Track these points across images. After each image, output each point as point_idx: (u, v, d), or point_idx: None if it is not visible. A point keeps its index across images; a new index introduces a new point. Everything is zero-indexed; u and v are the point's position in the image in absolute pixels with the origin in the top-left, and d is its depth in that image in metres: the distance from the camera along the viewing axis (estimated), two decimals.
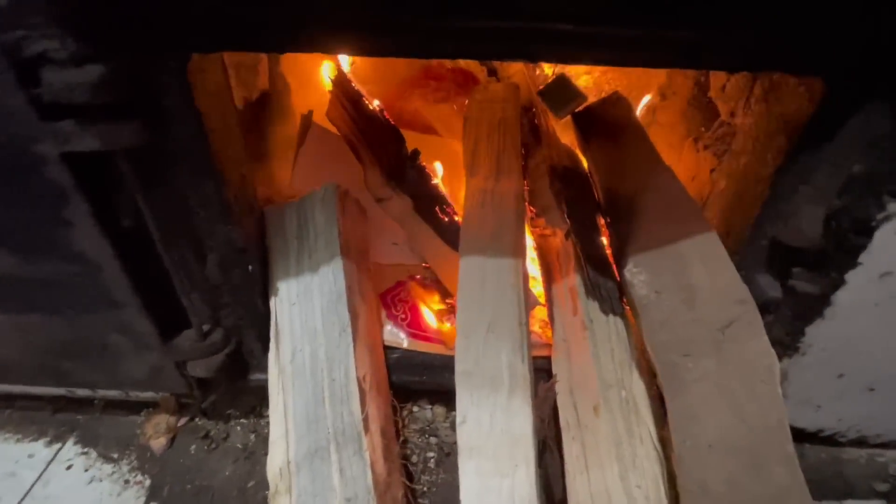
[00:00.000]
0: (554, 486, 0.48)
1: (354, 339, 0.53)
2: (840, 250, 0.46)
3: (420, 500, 0.59)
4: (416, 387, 0.66)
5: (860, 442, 0.66)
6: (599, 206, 0.71)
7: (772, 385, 0.40)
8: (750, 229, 0.52)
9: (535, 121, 0.85)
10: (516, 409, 0.44)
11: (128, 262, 0.46)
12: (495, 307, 0.52)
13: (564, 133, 0.86)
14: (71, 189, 0.41)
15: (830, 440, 0.66)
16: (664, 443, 0.48)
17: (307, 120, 0.76)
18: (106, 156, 0.40)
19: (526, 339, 0.51)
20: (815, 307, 0.51)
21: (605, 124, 0.76)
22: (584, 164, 0.78)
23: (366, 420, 0.48)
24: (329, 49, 0.44)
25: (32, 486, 0.59)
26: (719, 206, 0.60)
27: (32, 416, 0.67)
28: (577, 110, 0.79)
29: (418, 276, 0.72)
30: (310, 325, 0.56)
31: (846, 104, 0.40)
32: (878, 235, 0.43)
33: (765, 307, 0.52)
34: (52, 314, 0.50)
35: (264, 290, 0.58)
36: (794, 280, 0.51)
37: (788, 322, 0.53)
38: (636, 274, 0.56)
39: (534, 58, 0.43)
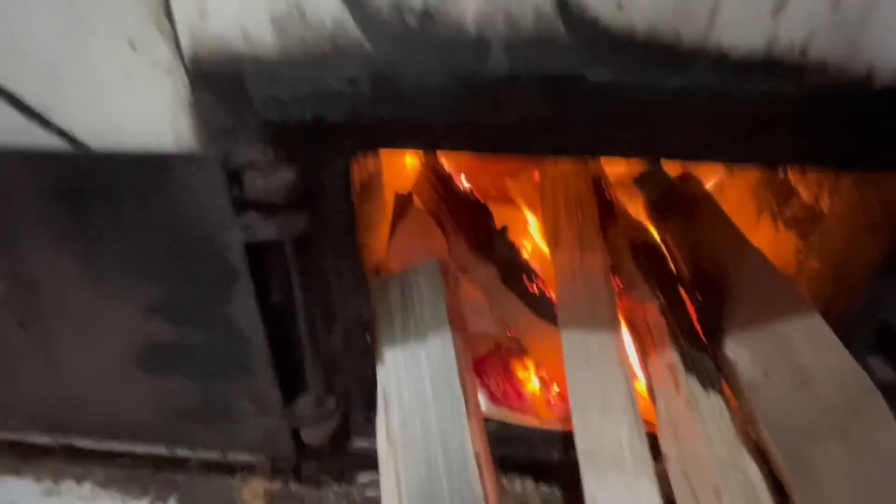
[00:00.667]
0: None
1: (468, 412, 0.55)
2: None
3: None
4: (507, 460, 0.66)
5: None
6: (681, 280, 0.73)
7: None
8: (856, 312, 0.53)
9: (606, 195, 0.90)
10: (643, 490, 0.45)
11: (272, 335, 0.51)
12: (605, 383, 0.54)
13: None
14: (241, 271, 0.46)
15: None
16: None
17: (402, 199, 0.82)
18: (276, 242, 0.45)
19: (639, 415, 0.52)
20: None
21: (680, 202, 0.80)
22: (657, 237, 0.81)
23: (485, 496, 0.49)
24: (465, 149, 0.49)
25: None
26: (814, 286, 0.61)
27: (134, 475, 0.70)
28: None
29: (507, 346, 0.75)
30: (419, 395, 0.58)
31: None
32: None
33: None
34: (192, 379, 0.54)
35: (373, 359, 0.61)
36: None
37: None
38: (739, 353, 0.57)
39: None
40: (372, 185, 0.82)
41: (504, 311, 0.76)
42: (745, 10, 0.33)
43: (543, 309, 0.71)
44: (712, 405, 0.56)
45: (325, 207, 0.46)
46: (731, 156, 0.43)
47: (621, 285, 0.73)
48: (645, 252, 0.75)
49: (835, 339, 0.52)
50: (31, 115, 0.41)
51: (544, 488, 0.68)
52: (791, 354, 0.53)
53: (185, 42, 0.36)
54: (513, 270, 0.74)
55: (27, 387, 0.57)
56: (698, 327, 0.65)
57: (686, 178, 0.83)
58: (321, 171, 0.44)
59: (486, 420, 0.67)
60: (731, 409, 0.56)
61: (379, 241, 0.84)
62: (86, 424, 0.62)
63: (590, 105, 0.37)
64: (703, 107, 0.37)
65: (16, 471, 0.70)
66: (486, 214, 0.79)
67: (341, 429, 0.61)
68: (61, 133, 0.41)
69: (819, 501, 0.43)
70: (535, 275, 0.74)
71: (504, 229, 0.77)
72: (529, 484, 0.68)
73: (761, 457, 0.52)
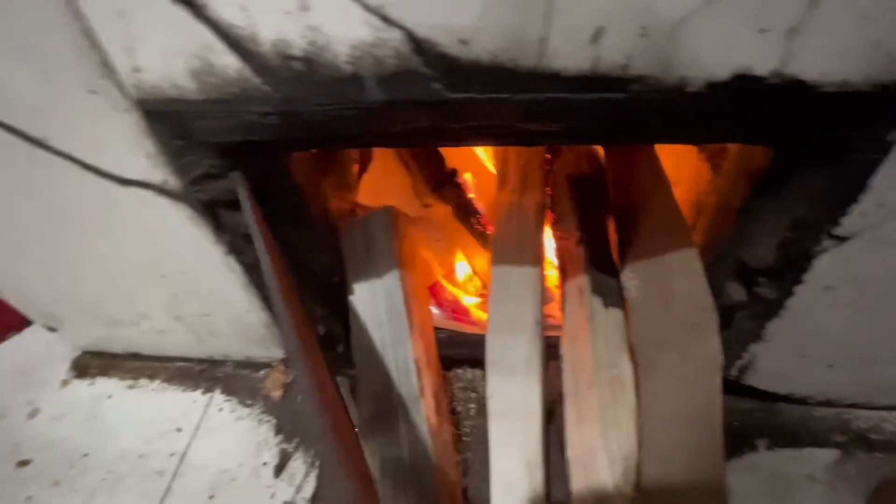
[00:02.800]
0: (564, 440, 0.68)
1: (411, 331, 0.72)
2: (790, 270, 0.58)
3: (465, 439, 0.81)
4: (458, 357, 0.86)
5: (828, 403, 0.80)
6: (613, 210, 0.83)
7: (712, 376, 0.55)
8: (723, 247, 0.64)
9: None
10: (530, 389, 0.63)
11: None
12: (517, 310, 0.69)
13: None
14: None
15: (801, 401, 0.80)
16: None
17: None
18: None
19: (540, 335, 0.68)
20: (772, 308, 0.63)
21: None
22: (603, 168, 0.89)
23: (421, 389, 0.69)
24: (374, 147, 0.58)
25: (200, 421, 0.87)
26: (707, 221, 0.71)
27: (188, 373, 0.95)
28: None
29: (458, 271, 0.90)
30: (377, 318, 0.75)
31: (790, 166, 0.50)
32: (817, 262, 0.55)
33: (734, 307, 0.66)
34: None
35: (344, 291, 0.78)
36: (758, 287, 0.63)
37: (754, 317, 0.66)
38: (631, 279, 0.70)
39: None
40: None
41: (457, 240, 0.89)
42: (567, 40, 0.40)
43: (486, 241, 0.84)
44: (607, 319, 0.71)
45: (278, 193, 0.58)
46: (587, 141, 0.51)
47: (554, 217, 0.83)
48: (583, 186, 0.84)
49: (700, 269, 0.63)
50: (33, 142, 0.53)
51: None
52: (666, 282, 0.66)
53: (130, 89, 0.46)
54: (462, 209, 0.86)
55: None
56: (616, 255, 0.77)
57: None
58: (269, 168, 0.55)
59: (441, 329, 0.85)
60: (628, 323, 0.71)
61: (352, 179, 0.95)
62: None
63: (458, 116, 0.46)
64: (549, 113, 0.45)
65: (105, 372, 0.97)
66: (439, 158, 0.87)
67: (328, 339, 0.81)
68: (59, 153, 0.54)
69: (652, 391, 0.59)
70: (479, 214, 0.85)
71: (454, 171, 0.86)
72: (478, 372, 0.89)
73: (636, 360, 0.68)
